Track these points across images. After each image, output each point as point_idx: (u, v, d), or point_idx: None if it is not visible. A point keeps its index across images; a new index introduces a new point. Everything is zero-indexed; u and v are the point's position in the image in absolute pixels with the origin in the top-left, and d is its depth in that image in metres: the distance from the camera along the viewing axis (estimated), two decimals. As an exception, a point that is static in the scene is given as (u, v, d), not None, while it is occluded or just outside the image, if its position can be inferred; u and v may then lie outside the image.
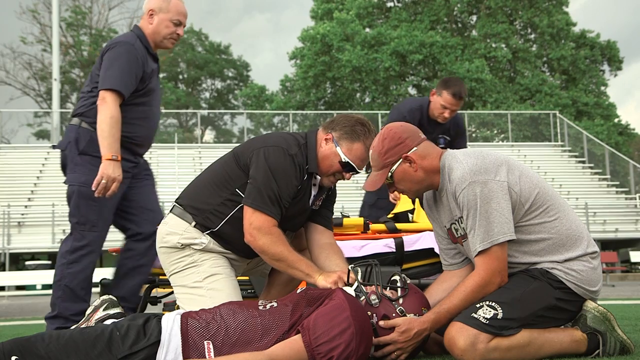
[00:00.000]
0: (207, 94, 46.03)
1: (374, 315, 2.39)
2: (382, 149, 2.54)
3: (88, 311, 2.57)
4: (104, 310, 2.53)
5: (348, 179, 2.77)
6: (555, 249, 2.48)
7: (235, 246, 2.77)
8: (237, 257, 2.83)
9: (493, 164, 2.45)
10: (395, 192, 3.75)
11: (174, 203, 2.84)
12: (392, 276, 2.52)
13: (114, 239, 3.51)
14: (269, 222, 2.58)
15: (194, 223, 2.73)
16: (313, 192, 2.79)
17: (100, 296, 2.66)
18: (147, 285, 3.86)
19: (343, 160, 2.68)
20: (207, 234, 2.73)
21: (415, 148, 2.54)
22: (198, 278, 2.70)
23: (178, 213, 2.78)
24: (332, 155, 2.70)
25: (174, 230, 2.75)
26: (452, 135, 4.55)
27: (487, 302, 2.37)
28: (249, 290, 3.60)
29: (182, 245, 2.72)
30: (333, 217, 3.91)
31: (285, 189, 2.60)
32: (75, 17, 39.50)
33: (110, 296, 2.61)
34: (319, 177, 2.78)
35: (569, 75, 35.20)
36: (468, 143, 4.87)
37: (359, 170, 2.75)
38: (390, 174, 2.53)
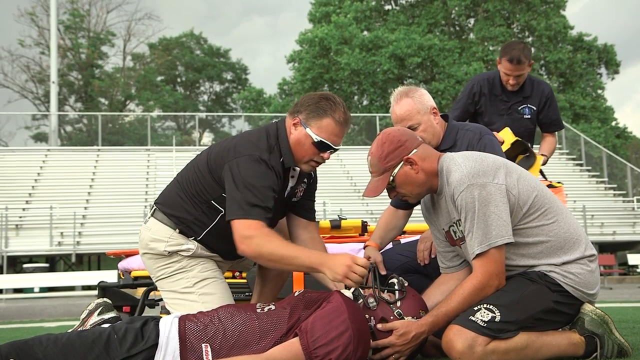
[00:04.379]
0: (206, 97, 46.08)
1: (372, 318, 2.39)
2: (382, 153, 2.52)
3: (82, 315, 2.56)
4: (98, 314, 2.52)
5: (327, 158, 2.64)
6: (553, 251, 2.48)
7: (221, 252, 2.75)
8: (222, 260, 2.81)
9: (491, 167, 2.46)
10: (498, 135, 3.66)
11: (155, 206, 2.76)
12: (389, 279, 2.52)
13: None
14: (254, 224, 2.44)
15: (178, 230, 2.67)
16: (290, 184, 2.70)
17: (97, 299, 2.65)
18: (145, 289, 3.86)
19: (315, 140, 2.56)
20: (192, 239, 2.68)
21: (415, 150, 2.54)
22: (188, 284, 2.66)
23: (161, 218, 2.71)
24: (303, 138, 2.58)
25: (158, 237, 2.69)
26: (538, 103, 4.11)
27: (485, 305, 2.38)
28: (247, 294, 3.60)
29: (169, 252, 2.68)
30: (331, 219, 3.93)
31: (265, 192, 2.48)
32: (73, 19, 39.51)
33: (105, 299, 2.59)
34: (297, 169, 2.69)
35: (566, 78, 35.26)
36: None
37: (335, 147, 2.61)
38: (392, 177, 2.52)
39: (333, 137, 2.59)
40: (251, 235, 2.42)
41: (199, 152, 2.79)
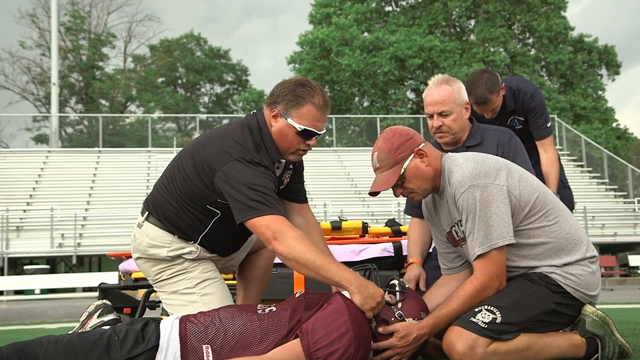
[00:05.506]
0: (206, 99, 46.10)
1: (373, 319, 2.38)
2: (392, 145, 2.49)
3: (82, 317, 2.55)
4: (98, 317, 2.51)
5: (314, 144, 2.56)
6: (554, 253, 2.48)
7: (219, 252, 2.73)
8: (219, 258, 2.78)
9: (493, 168, 2.45)
10: None
11: (147, 210, 2.68)
12: (390, 280, 2.52)
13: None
14: (277, 219, 2.34)
15: (176, 235, 2.63)
16: (276, 174, 2.61)
17: (97, 301, 2.65)
18: (145, 290, 3.86)
19: (299, 129, 2.47)
20: (191, 243, 2.64)
21: (423, 144, 2.54)
22: (189, 284, 2.63)
23: (157, 224, 2.64)
24: (286, 129, 2.49)
25: (158, 243, 2.63)
26: (523, 115, 3.92)
27: (486, 307, 2.37)
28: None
29: (171, 257, 2.63)
30: (331, 221, 3.93)
31: (268, 187, 2.41)
32: (74, 21, 39.56)
33: (105, 301, 2.58)
34: (282, 161, 2.63)
35: (567, 80, 35.32)
36: None
37: (319, 132, 2.52)
38: (402, 170, 2.48)
39: (316, 123, 2.51)
40: (283, 231, 2.31)
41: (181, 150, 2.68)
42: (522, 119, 3.92)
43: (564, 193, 3.88)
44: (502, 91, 3.76)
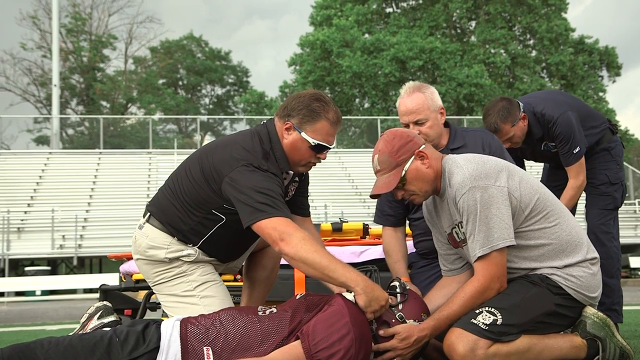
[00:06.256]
0: (207, 100, 46.13)
1: (374, 321, 2.38)
2: (392, 148, 2.50)
3: (82, 319, 2.56)
4: (98, 318, 2.51)
5: (324, 158, 2.63)
6: (555, 254, 2.48)
7: (219, 257, 2.74)
8: (218, 262, 2.79)
9: (493, 170, 2.46)
10: None
11: (149, 212, 2.70)
12: (391, 282, 2.52)
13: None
14: (283, 221, 2.35)
15: (176, 237, 2.64)
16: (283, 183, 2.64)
17: (98, 302, 2.64)
18: (146, 292, 3.86)
19: (313, 144, 2.54)
20: (190, 246, 2.65)
21: (423, 145, 2.54)
22: (189, 287, 2.64)
23: (157, 226, 2.66)
24: (299, 142, 2.55)
25: (157, 244, 2.64)
26: (552, 140, 3.74)
27: (487, 308, 2.37)
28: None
29: (169, 259, 2.64)
30: (332, 222, 3.93)
31: (275, 191, 2.43)
32: (75, 23, 39.58)
33: (105, 303, 2.58)
34: (291, 172, 2.66)
35: (567, 81, 35.27)
36: None
37: (330, 147, 2.60)
38: (403, 172, 2.49)
39: (329, 138, 2.58)
40: (290, 232, 2.32)
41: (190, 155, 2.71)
42: (553, 144, 3.76)
43: (609, 189, 3.85)
44: (523, 121, 3.63)
